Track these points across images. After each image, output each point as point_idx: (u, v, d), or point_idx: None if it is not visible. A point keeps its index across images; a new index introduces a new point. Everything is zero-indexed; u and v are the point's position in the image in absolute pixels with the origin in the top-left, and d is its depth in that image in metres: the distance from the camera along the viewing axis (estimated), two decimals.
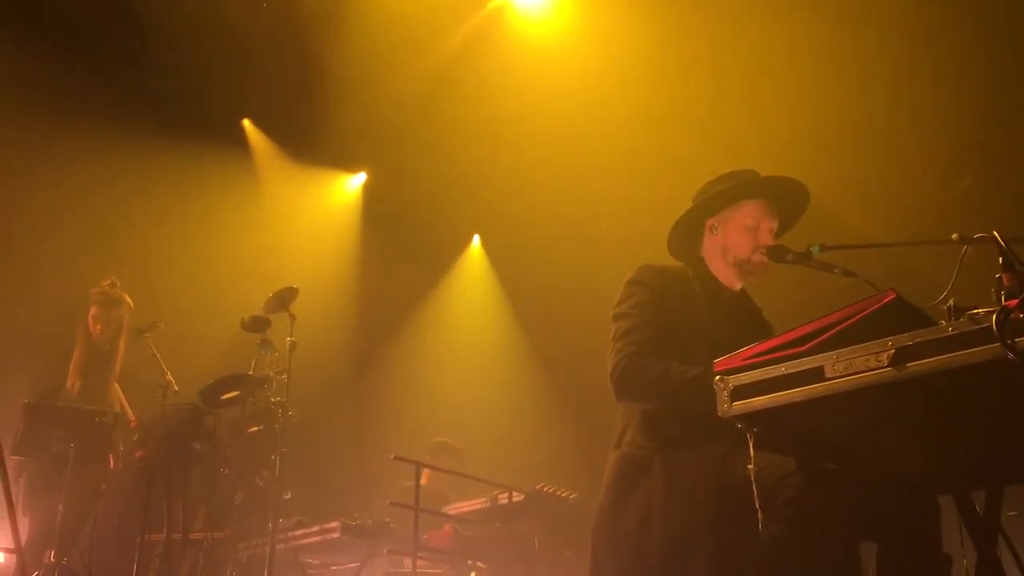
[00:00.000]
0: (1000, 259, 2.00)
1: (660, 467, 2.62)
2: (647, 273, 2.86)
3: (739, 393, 2.05)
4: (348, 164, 8.49)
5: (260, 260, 7.44)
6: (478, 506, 5.54)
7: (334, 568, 5.85)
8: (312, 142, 7.88)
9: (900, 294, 1.94)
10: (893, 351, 1.84)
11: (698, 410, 2.39)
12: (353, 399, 8.07)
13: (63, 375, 5.45)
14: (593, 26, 6.73)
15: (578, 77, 6.91)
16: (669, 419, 2.65)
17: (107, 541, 5.16)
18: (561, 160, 7.41)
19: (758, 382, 2.02)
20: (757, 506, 2.16)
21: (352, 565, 5.58)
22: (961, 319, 1.82)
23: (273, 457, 5.29)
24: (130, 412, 5.66)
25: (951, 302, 1.92)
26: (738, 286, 2.97)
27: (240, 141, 8.03)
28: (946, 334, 1.81)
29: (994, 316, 1.74)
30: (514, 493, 5.29)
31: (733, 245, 2.90)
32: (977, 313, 1.80)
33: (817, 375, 1.93)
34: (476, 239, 9.14)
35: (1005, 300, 1.86)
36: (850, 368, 1.89)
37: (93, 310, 5.61)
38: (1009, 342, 1.72)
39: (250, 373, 5.62)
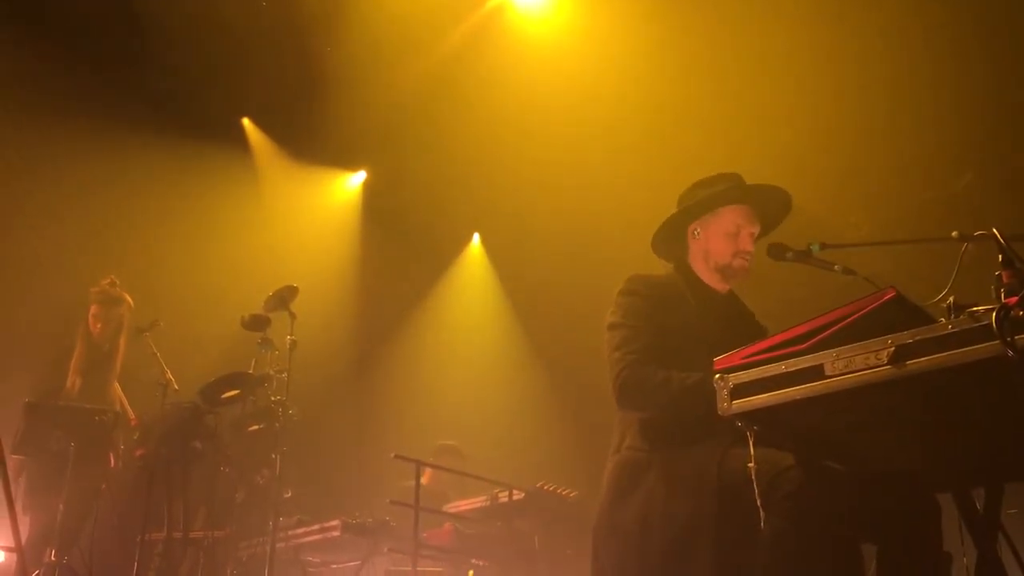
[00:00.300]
0: (1000, 256, 2.00)
1: (659, 467, 2.65)
2: (636, 282, 2.90)
3: (739, 391, 2.05)
4: (348, 163, 8.49)
5: (260, 259, 7.44)
6: (478, 504, 5.54)
7: (335, 566, 5.86)
8: (312, 141, 7.88)
9: (900, 292, 1.94)
10: (893, 349, 1.84)
11: (697, 414, 2.44)
12: (353, 398, 8.07)
13: (63, 374, 5.45)
14: (593, 25, 6.73)
15: (578, 76, 6.91)
16: (668, 425, 2.68)
17: (107, 540, 5.15)
18: (561, 159, 7.41)
19: (758, 380, 2.03)
20: (759, 503, 2.16)
21: (353, 563, 5.58)
22: (961, 317, 1.82)
23: (273, 456, 5.30)
24: (130, 411, 5.66)
25: (951, 300, 1.92)
26: (725, 288, 3.01)
27: (240, 140, 8.04)
28: (946, 332, 1.81)
29: (994, 314, 1.74)
30: (514, 491, 5.30)
31: (714, 250, 2.95)
32: (977, 311, 1.80)
33: (817, 373, 1.94)
34: (476, 237, 9.15)
35: (1005, 297, 1.86)
36: (850, 366, 1.90)
37: (93, 309, 5.62)
38: (1009, 340, 1.72)
39: (250, 372, 5.62)
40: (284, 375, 5.58)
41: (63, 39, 6.59)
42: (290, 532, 5.43)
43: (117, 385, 5.66)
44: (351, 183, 8.66)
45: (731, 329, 2.82)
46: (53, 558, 4.84)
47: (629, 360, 2.71)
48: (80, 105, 6.64)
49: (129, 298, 5.73)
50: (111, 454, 5.28)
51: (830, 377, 1.91)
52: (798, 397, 1.95)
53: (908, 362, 1.82)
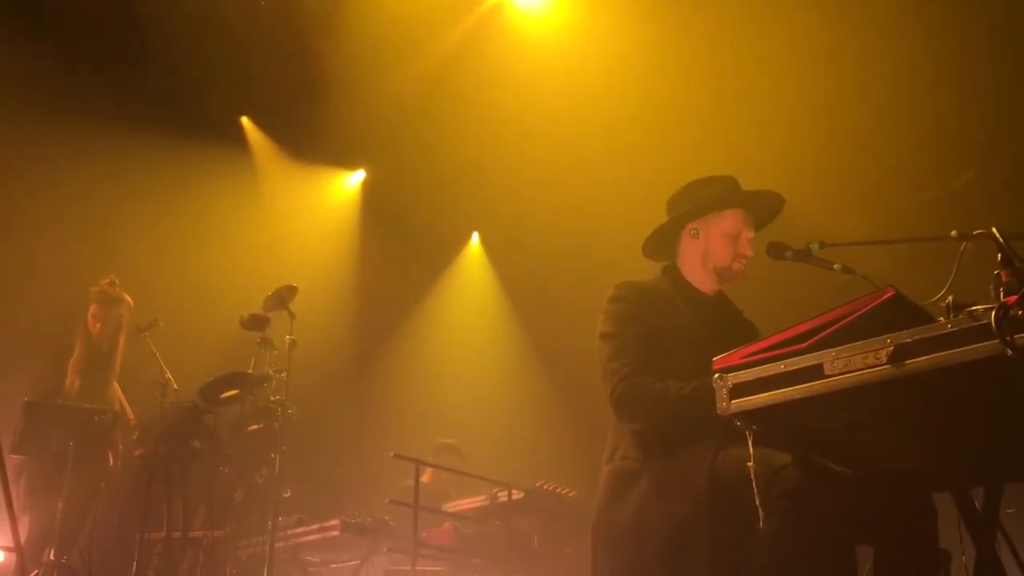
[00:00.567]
0: (999, 255, 2.00)
1: (653, 470, 2.67)
2: (625, 289, 2.91)
3: (738, 391, 2.05)
4: (347, 162, 8.50)
5: (259, 258, 7.45)
6: (478, 504, 5.53)
7: (334, 566, 5.85)
8: (311, 140, 7.89)
9: (899, 291, 1.94)
10: (892, 348, 1.84)
11: (696, 418, 2.46)
12: (352, 397, 8.07)
13: (63, 374, 5.45)
14: (592, 25, 6.74)
15: (578, 76, 6.92)
16: (663, 434, 2.69)
17: (107, 539, 5.15)
18: (560, 159, 7.42)
19: (757, 380, 2.02)
20: (757, 503, 2.16)
21: (352, 563, 5.57)
22: (960, 316, 1.81)
23: (273, 455, 5.29)
24: (129, 410, 5.66)
25: (950, 299, 1.91)
26: (715, 290, 3.01)
27: (239, 140, 8.04)
28: (945, 331, 1.81)
29: (993, 313, 1.74)
30: (514, 491, 5.29)
31: (713, 251, 2.95)
32: (976, 310, 1.79)
33: (816, 372, 1.93)
34: (475, 236, 9.15)
35: (1004, 296, 1.85)
36: (849, 365, 1.89)
37: (92, 308, 5.62)
38: (1008, 339, 1.71)
39: (249, 371, 5.62)
40: (283, 375, 5.57)
41: (63, 39, 6.60)
42: (289, 531, 5.42)
43: (116, 385, 5.66)
44: (350, 183, 8.67)
45: (720, 330, 2.83)
46: (52, 557, 4.84)
47: (624, 373, 2.72)
48: (80, 105, 6.65)
49: (128, 298, 5.73)
50: (110, 453, 5.27)
51: (829, 376, 1.91)
52: (797, 396, 1.95)
53: (907, 361, 1.82)
